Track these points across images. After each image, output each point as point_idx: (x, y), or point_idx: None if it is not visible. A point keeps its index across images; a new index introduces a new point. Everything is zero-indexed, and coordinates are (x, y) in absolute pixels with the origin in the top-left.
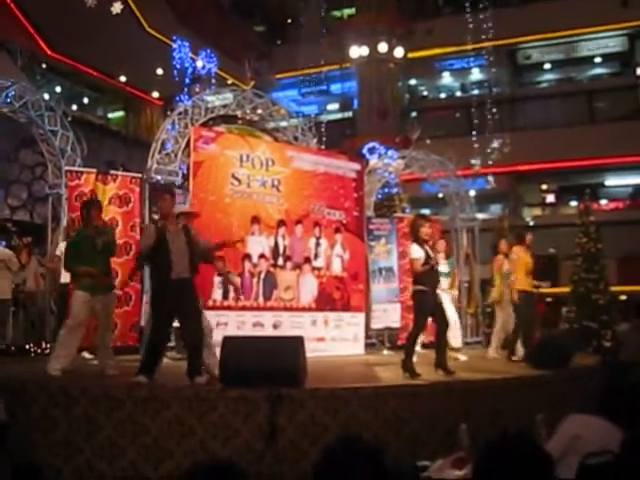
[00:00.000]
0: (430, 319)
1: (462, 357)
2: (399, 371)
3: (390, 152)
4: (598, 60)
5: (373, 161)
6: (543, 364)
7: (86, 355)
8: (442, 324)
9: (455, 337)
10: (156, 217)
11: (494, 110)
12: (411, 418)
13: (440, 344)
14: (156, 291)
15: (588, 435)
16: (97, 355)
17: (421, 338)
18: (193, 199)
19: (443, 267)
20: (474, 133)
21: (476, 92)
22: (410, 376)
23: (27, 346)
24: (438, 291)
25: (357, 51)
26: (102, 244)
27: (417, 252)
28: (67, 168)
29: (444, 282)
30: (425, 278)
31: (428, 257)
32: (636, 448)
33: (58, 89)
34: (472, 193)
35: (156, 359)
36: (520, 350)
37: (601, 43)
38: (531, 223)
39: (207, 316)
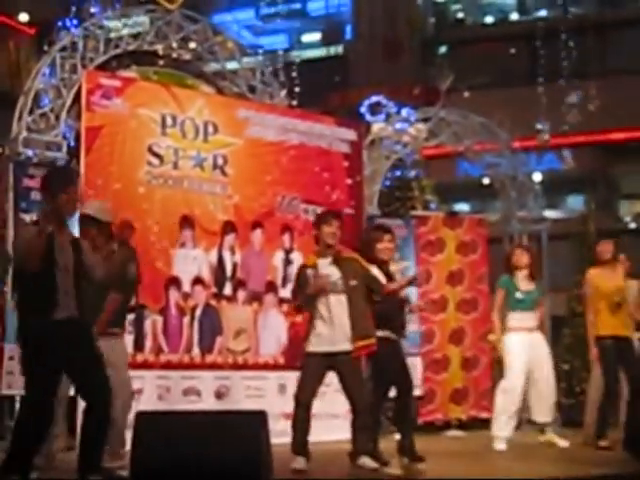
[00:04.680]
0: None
1: (562, 442)
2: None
3: (405, 111)
4: None
5: (378, 126)
6: None
7: None
8: (405, 387)
9: (542, 408)
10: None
11: (572, 43)
12: None
13: (403, 417)
14: (28, 341)
15: None
16: None
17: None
18: (86, 188)
19: (527, 295)
20: (540, 80)
21: (543, 14)
22: (378, 464)
23: None
24: (527, 333)
25: None
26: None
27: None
28: None
29: (530, 318)
30: (389, 318)
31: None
32: None
33: None
34: (538, 177)
35: (28, 453)
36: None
37: None
38: (632, 225)
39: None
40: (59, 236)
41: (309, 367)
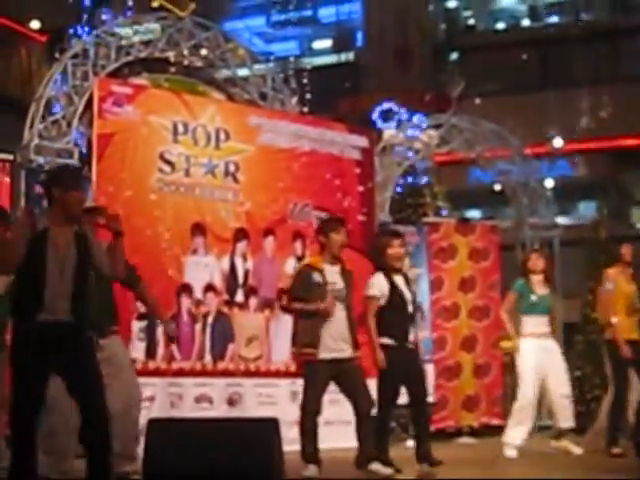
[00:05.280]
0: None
1: (576, 449)
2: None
3: (416, 118)
4: None
5: (389, 133)
6: None
7: None
8: (419, 394)
9: (565, 414)
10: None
11: (583, 49)
12: None
13: (419, 425)
14: (15, 343)
15: None
16: None
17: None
18: (97, 195)
19: (542, 299)
20: (551, 87)
21: (554, 20)
22: (391, 470)
23: None
24: (540, 339)
25: None
26: None
27: (377, 285)
28: None
29: (544, 323)
30: (391, 325)
31: (394, 292)
32: None
33: None
34: (550, 184)
35: (27, 462)
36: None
37: None
38: None
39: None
40: (57, 234)
41: (317, 374)
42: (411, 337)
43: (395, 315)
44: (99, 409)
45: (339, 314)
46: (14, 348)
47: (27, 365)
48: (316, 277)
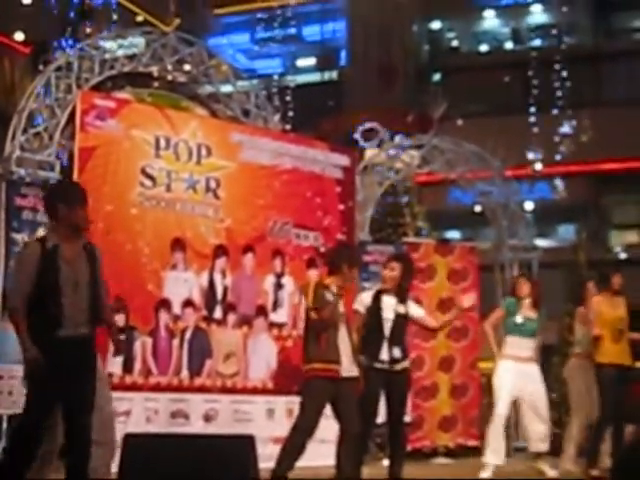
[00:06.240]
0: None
1: (551, 472)
2: None
3: (398, 138)
4: None
5: (371, 152)
6: None
7: None
8: (395, 415)
9: (539, 438)
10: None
11: (566, 73)
12: None
13: (395, 445)
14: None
15: None
16: None
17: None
18: None
19: (527, 321)
20: (533, 110)
21: (537, 43)
22: None
23: None
24: (520, 363)
25: None
26: None
27: (360, 301)
28: None
29: (527, 347)
30: (365, 344)
31: (371, 311)
32: None
33: None
34: (529, 206)
35: (21, 467)
36: (606, 459)
37: None
38: (622, 255)
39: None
40: (67, 250)
41: (320, 392)
42: (384, 356)
43: (369, 334)
44: (84, 425)
45: (344, 335)
46: (32, 363)
47: (47, 380)
48: (328, 296)
